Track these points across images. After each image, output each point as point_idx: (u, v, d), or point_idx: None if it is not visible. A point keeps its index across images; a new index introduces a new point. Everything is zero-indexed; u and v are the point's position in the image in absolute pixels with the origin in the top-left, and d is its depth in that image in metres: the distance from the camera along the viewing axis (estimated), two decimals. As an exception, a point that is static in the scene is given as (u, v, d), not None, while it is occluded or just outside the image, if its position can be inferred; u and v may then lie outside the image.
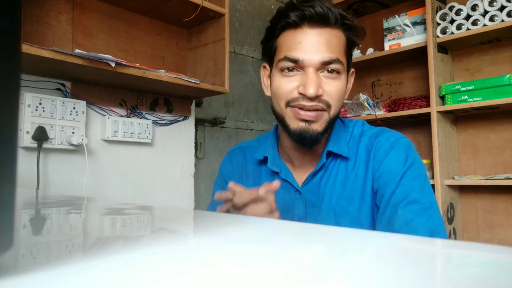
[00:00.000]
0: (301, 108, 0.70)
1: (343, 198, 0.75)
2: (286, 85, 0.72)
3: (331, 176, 0.77)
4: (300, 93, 0.70)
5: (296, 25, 0.71)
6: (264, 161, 0.85)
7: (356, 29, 0.75)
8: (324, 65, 0.70)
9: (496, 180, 1.70)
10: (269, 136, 0.88)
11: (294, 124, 0.72)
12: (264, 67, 0.82)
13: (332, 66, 0.70)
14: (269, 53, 0.78)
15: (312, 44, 0.69)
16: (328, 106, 0.71)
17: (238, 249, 0.25)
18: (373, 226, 0.74)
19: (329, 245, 0.27)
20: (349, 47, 0.75)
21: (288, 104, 0.72)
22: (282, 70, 0.72)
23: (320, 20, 0.69)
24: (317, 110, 0.70)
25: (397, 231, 0.66)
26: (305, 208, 0.78)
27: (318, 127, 0.71)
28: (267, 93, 0.81)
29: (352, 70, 0.80)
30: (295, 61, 0.70)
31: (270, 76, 0.79)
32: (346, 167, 0.77)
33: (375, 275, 0.18)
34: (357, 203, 0.74)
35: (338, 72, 0.71)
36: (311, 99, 0.69)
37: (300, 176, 0.80)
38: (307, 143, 0.73)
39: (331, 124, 0.74)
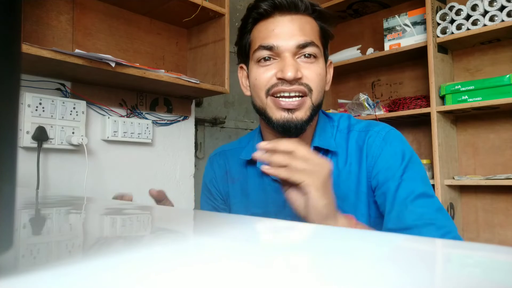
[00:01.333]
0: (282, 93, 0.69)
1: (337, 197, 0.71)
2: (264, 74, 0.70)
3: None
4: (279, 79, 0.68)
5: (267, 14, 0.71)
6: (250, 162, 0.81)
7: (326, 16, 0.74)
8: (300, 49, 0.69)
9: (496, 180, 1.70)
10: (253, 136, 0.85)
11: (277, 114, 0.70)
12: (241, 67, 0.81)
13: (308, 49, 0.69)
14: (244, 50, 0.77)
15: (285, 29, 0.69)
16: (310, 90, 0.69)
17: (238, 249, 0.25)
18: (369, 224, 0.72)
19: (328, 244, 0.27)
20: (324, 36, 0.74)
21: (268, 93, 0.70)
22: (258, 61, 0.71)
23: (291, 7, 0.70)
24: (299, 95, 0.69)
25: (411, 227, 0.64)
26: None
27: (302, 115, 0.69)
28: (247, 93, 0.80)
29: (330, 61, 0.79)
30: (270, 48, 0.69)
31: (247, 76, 0.78)
32: (337, 164, 0.74)
33: (374, 275, 0.18)
34: (352, 201, 0.72)
35: (315, 56, 0.70)
36: (291, 82, 0.68)
37: None
38: (292, 134, 0.70)
39: (315, 112, 0.72)
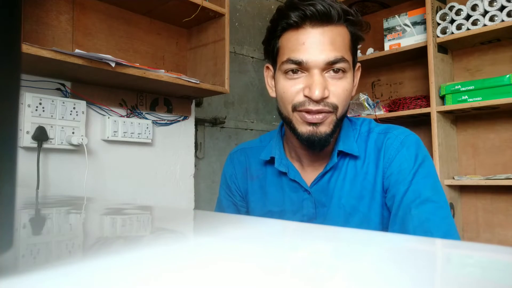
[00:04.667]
0: (308, 112, 0.69)
1: (353, 196, 0.74)
2: (291, 88, 0.70)
3: (340, 175, 0.76)
4: (306, 96, 0.68)
5: (297, 25, 0.68)
6: (270, 161, 0.83)
7: (360, 23, 0.72)
8: (329, 65, 0.68)
9: (496, 180, 1.70)
10: (273, 136, 0.86)
11: (302, 128, 0.70)
12: (268, 67, 0.80)
13: (338, 65, 0.68)
14: (271, 53, 0.76)
15: (315, 44, 0.67)
16: (335, 108, 0.69)
17: (239, 249, 0.24)
18: (382, 224, 0.73)
19: (330, 244, 0.27)
20: (354, 42, 0.73)
21: (294, 108, 0.70)
22: (286, 72, 0.70)
23: (323, 18, 0.67)
24: (323, 112, 0.69)
25: (412, 232, 0.65)
26: (315, 208, 0.77)
27: (326, 129, 0.70)
28: (272, 94, 0.79)
29: (358, 65, 0.78)
30: (298, 63, 0.68)
31: (273, 77, 0.77)
32: (355, 165, 0.76)
33: (374, 275, 0.18)
34: (367, 201, 0.73)
35: (344, 71, 0.69)
36: (317, 101, 0.67)
37: (308, 176, 0.79)
38: (316, 147, 0.71)
39: (338, 125, 0.72)
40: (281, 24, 0.71)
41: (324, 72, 0.68)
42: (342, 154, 0.76)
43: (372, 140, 0.76)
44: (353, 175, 0.75)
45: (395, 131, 0.75)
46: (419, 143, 0.74)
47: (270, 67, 0.79)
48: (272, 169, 0.82)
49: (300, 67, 0.68)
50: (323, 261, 0.22)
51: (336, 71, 0.68)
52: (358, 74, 0.78)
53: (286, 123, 0.74)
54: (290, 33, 0.70)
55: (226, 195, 0.91)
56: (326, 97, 0.68)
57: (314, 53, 0.67)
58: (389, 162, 0.72)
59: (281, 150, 0.81)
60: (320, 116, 0.68)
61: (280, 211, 0.81)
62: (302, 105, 0.69)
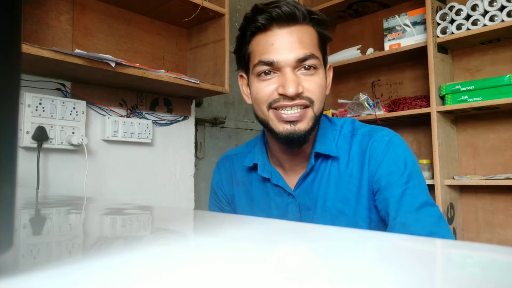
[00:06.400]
0: (284, 107, 0.69)
1: (338, 199, 0.74)
2: (265, 89, 0.70)
3: (323, 177, 0.75)
4: (280, 94, 0.69)
5: (265, 28, 0.70)
6: (254, 167, 0.83)
7: (325, 22, 0.74)
8: (299, 63, 0.69)
9: (496, 180, 1.70)
10: (257, 141, 0.87)
11: (279, 127, 0.71)
12: (241, 76, 0.81)
13: (308, 62, 0.69)
14: (243, 61, 0.77)
15: (284, 43, 0.69)
16: (311, 102, 0.70)
17: (239, 249, 0.24)
18: (370, 228, 0.72)
19: (326, 244, 0.27)
20: (322, 42, 0.74)
21: (270, 106, 0.71)
22: (259, 75, 0.71)
23: (288, 19, 0.69)
24: (300, 107, 0.69)
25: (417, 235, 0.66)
26: (299, 212, 0.77)
27: (305, 126, 0.70)
28: (248, 101, 0.79)
29: (329, 65, 0.79)
30: (270, 63, 0.69)
31: (248, 85, 0.78)
32: (339, 167, 0.75)
33: (374, 275, 0.18)
34: (353, 204, 0.73)
35: (315, 67, 0.70)
36: (292, 98, 0.68)
37: (291, 180, 0.79)
38: (296, 145, 0.71)
39: (317, 121, 0.73)
40: (249, 29, 0.72)
41: (296, 70, 0.69)
42: (323, 156, 0.76)
43: (356, 142, 0.75)
44: (337, 177, 0.75)
45: (380, 132, 0.75)
46: (404, 144, 0.75)
47: (244, 75, 0.79)
48: (257, 175, 0.82)
49: (272, 67, 0.69)
50: (317, 259, 0.22)
51: (308, 68, 0.69)
52: (330, 74, 0.79)
53: (264, 125, 0.75)
54: (259, 36, 0.71)
55: (214, 201, 0.93)
56: (301, 93, 0.68)
57: (284, 52, 0.68)
58: (376, 165, 0.72)
59: (263, 156, 0.82)
60: (297, 113, 0.69)
61: (266, 217, 0.81)
62: (277, 102, 0.69)
